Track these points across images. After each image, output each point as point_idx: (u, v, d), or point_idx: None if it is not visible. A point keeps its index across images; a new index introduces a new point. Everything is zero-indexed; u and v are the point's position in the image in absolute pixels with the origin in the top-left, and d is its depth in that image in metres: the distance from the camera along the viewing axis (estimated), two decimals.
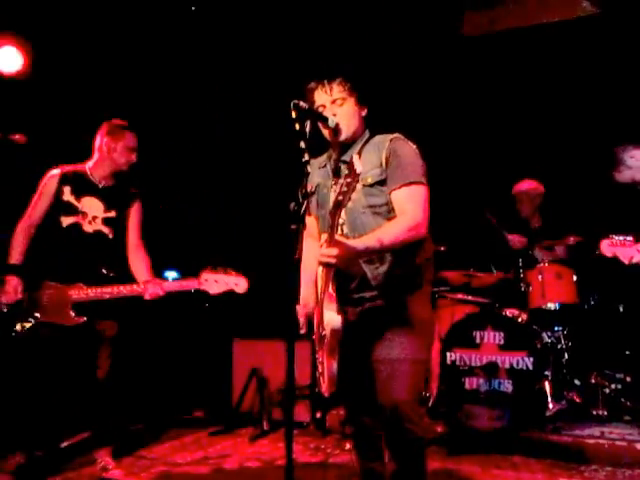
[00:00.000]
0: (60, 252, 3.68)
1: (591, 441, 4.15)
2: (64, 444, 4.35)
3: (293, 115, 2.38)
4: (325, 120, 2.62)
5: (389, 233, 2.51)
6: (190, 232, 5.72)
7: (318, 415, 4.89)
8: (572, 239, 4.85)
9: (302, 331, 2.81)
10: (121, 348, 3.89)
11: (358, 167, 2.15)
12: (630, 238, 3.10)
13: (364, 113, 2.80)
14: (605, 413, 4.51)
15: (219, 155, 5.93)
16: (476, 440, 4.31)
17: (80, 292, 3.60)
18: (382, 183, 2.65)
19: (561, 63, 5.44)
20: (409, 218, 2.55)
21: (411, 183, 2.60)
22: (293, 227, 2.34)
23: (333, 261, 2.35)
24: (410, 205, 2.58)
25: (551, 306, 4.77)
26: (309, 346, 4.19)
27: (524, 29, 5.59)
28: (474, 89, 5.71)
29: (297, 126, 2.38)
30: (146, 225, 4.02)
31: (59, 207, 3.71)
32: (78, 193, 3.74)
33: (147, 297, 3.59)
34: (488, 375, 4.52)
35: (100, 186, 3.81)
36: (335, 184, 2.68)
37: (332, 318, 2.45)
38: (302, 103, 2.42)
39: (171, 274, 5.41)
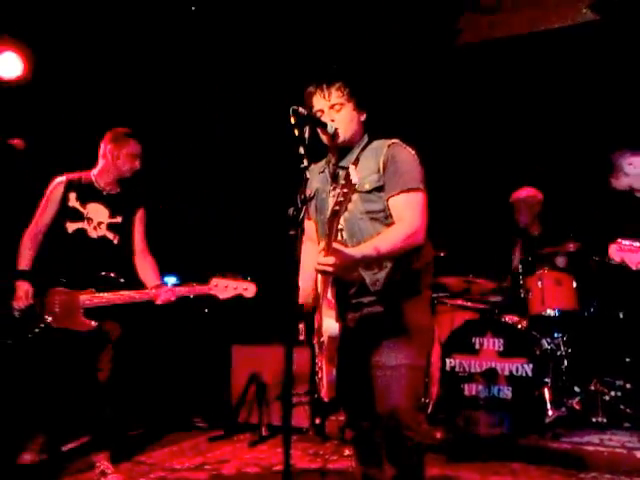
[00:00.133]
0: (66, 257, 3.75)
1: (590, 448, 4.15)
2: (65, 448, 4.37)
3: (292, 121, 2.38)
4: (324, 126, 2.62)
5: (387, 241, 2.51)
6: (189, 237, 5.72)
7: (317, 421, 4.88)
8: (571, 246, 4.85)
9: (301, 337, 2.81)
10: (123, 352, 3.93)
11: (354, 178, 2.15)
12: (638, 244, 3.10)
13: (363, 118, 2.79)
14: (605, 420, 4.49)
15: (219, 156, 5.93)
16: (475, 446, 4.31)
17: (92, 298, 3.67)
18: (380, 189, 2.64)
19: (559, 70, 5.45)
20: (407, 225, 2.55)
21: (409, 190, 2.60)
22: (292, 232, 2.35)
23: (330, 269, 2.35)
24: (408, 212, 2.57)
25: (551, 313, 4.76)
26: (308, 352, 4.19)
27: (523, 36, 5.61)
28: (473, 96, 5.71)
29: (296, 132, 2.38)
30: (147, 227, 4.10)
31: (65, 213, 3.79)
32: (84, 199, 3.83)
33: (159, 302, 3.70)
34: (487, 381, 4.51)
35: (105, 192, 3.90)
36: (333, 189, 2.68)
37: (330, 325, 2.44)
38: (301, 109, 2.43)
39: (170, 279, 5.41)
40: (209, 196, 5.95)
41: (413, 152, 2.72)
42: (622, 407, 4.61)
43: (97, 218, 3.84)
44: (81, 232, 3.79)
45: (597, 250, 4.73)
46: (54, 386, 3.82)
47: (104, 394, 3.83)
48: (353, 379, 2.69)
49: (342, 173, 2.15)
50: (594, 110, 5.30)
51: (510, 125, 5.60)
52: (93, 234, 3.82)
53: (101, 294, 3.68)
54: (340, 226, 2.31)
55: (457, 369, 4.63)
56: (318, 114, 2.70)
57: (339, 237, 2.60)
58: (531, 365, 4.41)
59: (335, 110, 2.69)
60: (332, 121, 2.66)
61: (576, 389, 4.77)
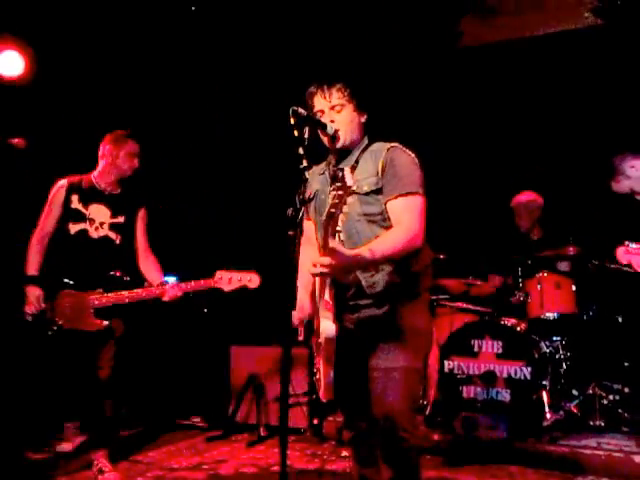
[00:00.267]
0: (70, 259, 3.84)
1: (588, 452, 4.12)
2: (63, 446, 4.40)
3: (292, 121, 2.38)
4: (324, 127, 2.62)
5: (384, 244, 2.50)
6: (189, 237, 5.72)
7: (315, 422, 4.89)
8: (571, 249, 4.85)
9: (300, 338, 2.80)
10: (123, 350, 3.99)
11: (349, 180, 2.14)
12: None
13: (363, 119, 2.78)
14: (602, 424, 4.48)
15: (219, 156, 5.94)
16: (473, 449, 4.30)
17: (101, 298, 3.76)
18: (378, 192, 2.64)
19: (560, 74, 5.45)
20: (404, 229, 2.54)
21: (408, 193, 2.59)
22: (291, 233, 2.35)
23: (326, 270, 2.34)
24: (406, 216, 2.57)
25: (550, 316, 4.76)
26: (307, 353, 4.20)
27: (524, 40, 5.61)
28: (473, 99, 5.71)
29: (296, 132, 2.38)
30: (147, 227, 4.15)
31: (68, 215, 3.87)
32: (85, 201, 3.91)
33: (166, 299, 3.77)
34: (486, 384, 4.52)
35: (106, 193, 3.98)
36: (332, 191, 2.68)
37: (327, 327, 2.44)
38: (301, 110, 2.42)
39: (170, 280, 5.40)
40: (209, 196, 5.95)
41: (413, 156, 2.71)
42: (620, 411, 4.61)
43: (99, 218, 3.91)
44: (83, 233, 3.87)
45: (597, 254, 4.74)
46: (62, 383, 4.01)
47: (104, 392, 3.88)
48: (350, 380, 2.68)
49: (340, 175, 2.15)
50: (595, 114, 5.30)
51: (511, 129, 5.60)
52: (94, 234, 3.89)
53: (109, 294, 3.77)
54: (338, 228, 2.30)
55: (456, 371, 4.63)
56: (318, 115, 2.70)
57: (338, 239, 2.60)
58: (530, 368, 4.41)
59: (335, 111, 2.69)
60: (332, 122, 2.66)
61: (574, 392, 4.76)
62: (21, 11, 4.45)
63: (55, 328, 3.74)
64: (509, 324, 4.73)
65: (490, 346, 4.58)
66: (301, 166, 2.38)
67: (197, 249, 5.64)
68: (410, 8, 5.71)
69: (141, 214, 4.07)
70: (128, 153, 3.97)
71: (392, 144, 2.72)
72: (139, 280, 3.96)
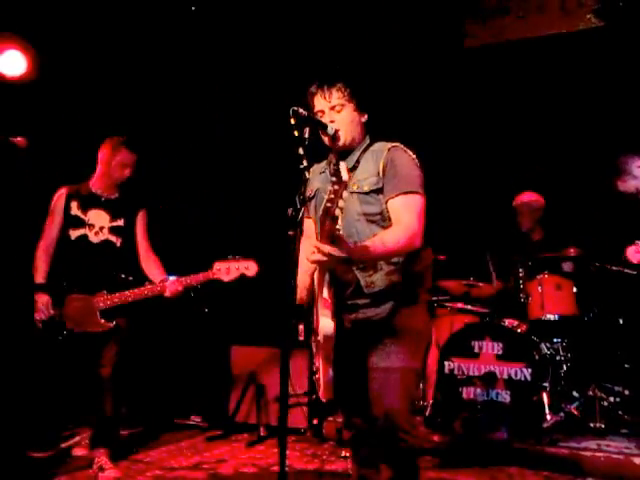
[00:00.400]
0: (72, 263, 3.96)
1: (588, 454, 4.12)
2: (64, 445, 4.42)
3: (292, 121, 2.39)
4: (324, 127, 2.62)
5: (383, 242, 2.50)
6: (189, 237, 5.72)
7: (315, 422, 4.89)
8: (572, 251, 4.85)
9: (300, 338, 2.81)
10: (125, 349, 4.05)
11: (344, 175, 2.15)
12: None
13: (364, 119, 2.78)
14: (603, 426, 4.47)
15: (219, 156, 5.94)
16: (472, 450, 4.30)
17: (106, 300, 3.88)
18: (378, 192, 2.64)
19: (562, 75, 5.44)
20: (404, 227, 2.55)
21: (408, 192, 2.59)
22: (291, 233, 2.35)
23: (323, 258, 2.32)
24: (406, 215, 2.57)
25: (550, 317, 4.76)
26: (307, 353, 4.20)
27: (526, 41, 5.61)
28: (475, 100, 5.71)
29: (296, 132, 2.38)
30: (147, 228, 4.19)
31: (68, 222, 3.99)
32: (84, 207, 4.02)
33: (168, 294, 3.86)
34: (486, 385, 4.51)
35: (104, 199, 4.08)
36: None
37: (325, 324, 2.44)
38: (301, 110, 2.42)
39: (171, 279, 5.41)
40: (209, 196, 5.95)
41: (414, 156, 2.72)
42: (620, 413, 4.61)
43: (99, 223, 4.02)
44: (83, 238, 3.98)
45: (598, 255, 4.74)
46: (66, 383, 4.13)
47: (106, 390, 3.94)
48: (349, 380, 2.69)
49: (335, 169, 2.16)
50: (597, 115, 5.29)
51: (512, 129, 5.60)
52: (94, 239, 3.99)
53: (113, 294, 3.88)
54: (338, 226, 2.30)
55: (456, 372, 4.63)
56: (319, 115, 2.70)
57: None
58: (530, 369, 4.41)
59: (336, 111, 2.69)
60: (332, 122, 2.66)
61: (575, 394, 4.76)
62: (23, 10, 4.46)
63: (65, 333, 3.87)
64: (509, 325, 4.73)
65: (490, 347, 4.58)
66: (301, 166, 2.38)
67: (197, 249, 5.64)
68: (413, 9, 5.70)
69: (141, 216, 4.15)
70: (120, 163, 4.05)
71: (393, 144, 2.72)
72: (142, 280, 4.03)
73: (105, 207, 4.05)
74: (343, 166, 2.17)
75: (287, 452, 2.26)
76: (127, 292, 3.87)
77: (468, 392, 4.56)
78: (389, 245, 2.50)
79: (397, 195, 2.60)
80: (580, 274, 4.96)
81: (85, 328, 3.90)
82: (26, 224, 4.10)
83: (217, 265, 3.82)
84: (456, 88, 5.74)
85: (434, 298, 5.09)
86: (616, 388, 4.74)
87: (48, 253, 3.98)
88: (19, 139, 3.69)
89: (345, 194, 2.17)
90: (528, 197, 5.24)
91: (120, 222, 4.06)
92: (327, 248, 2.30)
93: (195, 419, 5.34)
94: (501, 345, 4.55)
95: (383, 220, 2.65)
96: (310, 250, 2.35)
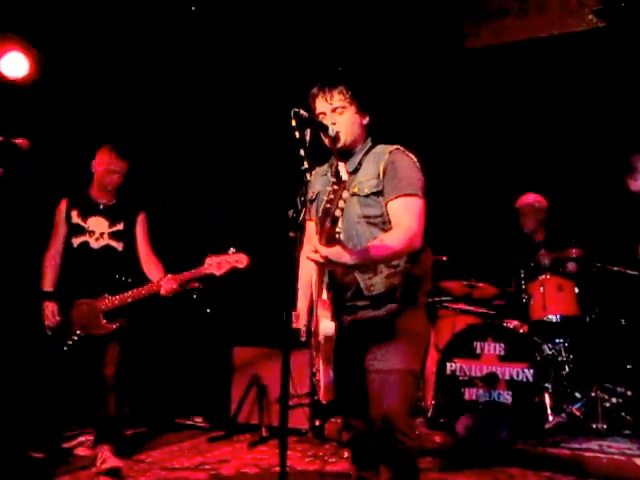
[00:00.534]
0: (75, 269, 4.12)
1: (590, 455, 4.11)
2: (67, 445, 4.46)
3: (293, 123, 2.39)
4: (325, 129, 2.63)
5: (385, 245, 2.50)
6: (189, 237, 5.72)
7: (317, 423, 4.89)
8: (574, 252, 4.85)
9: (302, 339, 2.81)
10: (128, 347, 4.15)
11: (344, 175, 2.15)
12: None
13: (365, 122, 2.79)
14: (605, 427, 4.47)
15: (219, 156, 5.94)
16: (474, 451, 4.29)
17: (108, 302, 4.01)
18: (378, 194, 2.65)
19: (563, 76, 5.43)
20: (404, 230, 2.55)
21: (407, 195, 2.60)
22: (292, 234, 2.35)
23: (322, 260, 2.32)
24: (405, 217, 2.57)
25: (552, 318, 4.76)
26: (309, 354, 4.19)
27: (527, 42, 5.60)
28: (476, 100, 5.70)
29: (297, 134, 2.39)
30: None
31: (70, 230, 4.15)
32: (84, 214, 4.16)
33: (163, 293, 3.94)
34: (488, 386, 4.51)
35: (102, 206, 4.21)
36: None
37: (325, 326, 2.44)
38: (302, 111, 2.43)
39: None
40: (209, 196, 5.96)
41: (415, 159, 2.72)
42: (623, 414, 4.60)
43: (98, 230, 4.14)
44: (84, 245, 4.12)
45: (601, 256, 4.74)
46: (68, 383, 4.22)
47: (110, 389, 4.02)
48: (348, 382, 2.69)
49: (334, 170, 2.16)
50: (598, 116, 5.29)
51: (514, 130, 5.59)
52: (95, 245, 4.12)
53: (114, 296, 4.00)
54: (338, 229, 2.30)
55: (458, 373, 4.63)
56: (320, 117, 2.70)
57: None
58: (532, 370, 4.41)
59: (337, 113, 2.69)
60: (333, 124, 2.66)
61: (577, 395, 4.75)
62: (25, 12, 4.47)
63: (75, 338, 4.02)
64: (511, 326, 4.73)
65: (492, 348, 4.57)
66: (302, 168, 2.38)
67: (197, 249, 5.64)
68: (413, 10, 5.70)
69: (140, 219, 4.25)
70: (107, 169, 4.14)
71: (394, 147, 2.73)
72: (143, 282, 4.09)
73: (104, 213, 4.18)
74: (342, 167, 2.17)
75: (288, 453, 2.28)
76: (126, 293, 3.98)
77: (470, 393, 4.56)
78: (390, 248, 2.50)
79: (397, 197, 2.60)
80: (582, 275, 4.96)
81: (90, 331, 4.03)
82: (28, 225, 4.13)
83: (208, 260, 3.87)
84: (457, 89, 5.73)
85: (436, 299, 5.10)
86: (618, 389, 4.73)
87: (55, 262, 4.14)
88: (21, 140, 3.70)
89: (345, 194, 2.17)
90: (533, 197, 5.23)
91: (119, 227, 4.18)
92: (325, 251, 2.30)
93: (197, 419, 5.35)
94: (503, 346, 4.54)
95: (383, 223, 2.65)
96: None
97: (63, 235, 4.15)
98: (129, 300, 3.97)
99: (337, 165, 2.20)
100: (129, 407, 4.77)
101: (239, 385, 5.20)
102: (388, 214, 2.64)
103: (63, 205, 4.18)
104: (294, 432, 4.79)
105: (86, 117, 4.97)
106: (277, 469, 2.32)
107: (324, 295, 2.48)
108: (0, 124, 3.21)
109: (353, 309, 2.69)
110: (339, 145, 2.68)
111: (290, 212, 2.37)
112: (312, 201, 2.83)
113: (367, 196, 2.65)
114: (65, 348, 4.01)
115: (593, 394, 4.60)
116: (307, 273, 2.68)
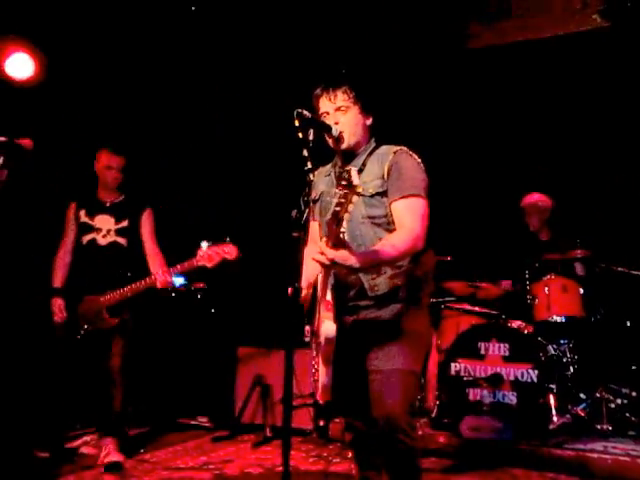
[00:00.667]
0: (84, 266, 4.28)
1: (594, 456, 4.10)
2: (72, 444, 4.48)
3: (296, 123, 2.39)
4: (328, 129, 2.63)
5: (392, 246, 2.51)
6: (188, 237, 5.73)
7: (321, 423, 4.88)
8: (579, 252, 4.84)
9: (306, 339, 2.81)
10: (134, 341, 4.25)
11: (355, 179, 2.14)
12: None
13: (369, 122, 2.79)
14: (609, 428, 4.45)
15: (219, 156, 5.95)
16: (478, 452, 4.29)
17: (110, 297, 4.12)
18: (382, 194, 2.65)
19: (567, 76, 5.42)
20: (407, 231, 2.56)
21: (411, 195, 2.61)
22: (295, 235, 2.36)
23: (327, 262, 2.34)
24: (408, 217, 2.58)
25: (557, 319, 4.75)
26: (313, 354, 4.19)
27: (530, 42, 5.59)
28: (480, 101, 5.70)
29: (300, 134, 2.39)
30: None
31: (79, 229, 4.32)
32: (91, 213, 4.31)
33: (158, 286, 4.05)
34: (492, 387, 4.51)
35: (107, 204, 4.35)
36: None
37: (327, 327, 2.44)
38: (305, 112, 2.43)
39: (178, 280, 5.43)
40: (209, 196, 5.97)
41: (419, 160, 2.73)
42: (627, 415, 4.58)
43: (105, 227, 4.28)
44: (92, 242, 4.26)
45: (605, 256, 4.73)
46: (73, 381, 4.37)
47: (116, 382, 4.12)
48: (349, 382, 2.69)
49: (346, 175, 2.15)
50: (601, 116, 5.27)
51: (519, 130, 5.59)
52: (102, 241, 4.26)
53: (115, 291, 4.10)
54: (342, 229, 2.30)
55: (462, 374, 4.62)
56: (323, 116, 2.71)
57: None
58: (536, 371, 4.40)
59: (341, 112, 2.70)
60: (337, 124, 2.66)
61: (581, 396, 4.74)
62: (31, 14, 4.49)
63: (83, 332, 4.13)
64: (516, 327, 4.72)
65: (497, 349, 4.57)
66: (305, 168, 2.39)
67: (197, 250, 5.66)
68: (417, 11, 5.70)
69: (145, 215, 4.36)
70: (104, 167, 4.27)
71: (399, 147, 2.73)
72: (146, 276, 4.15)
73: (110, 211, 4.30)
74: (354, 171, 2.16)
75: (292, 453, 2.27)
76: (125, 288, 4.07)
77: (474, 394, 4.55)
78: (395, 250, 2.51)
79: (400, 198, 2.61)
80: (587, 275, 4.95)
81: (96, 326, 4.15)
82: (32, 225, 4.18)
83: (200, 252, 3.94)
84: (460, 90, 5.72)
85: (440, 300, 5.09)
86: (623, 390, 4.72)
87: (65, 260, 4.30)
88: (25, 141, 3.71)
89: (355, 200, 2.18)
90: (537, 197, 5.22)
91: (125, 223, 4.29)
92: (331, 254, 2.31)
93: (201, 419, 5.36)
94: (507, 346, 4.54)
95: (388, 223, 2.66)
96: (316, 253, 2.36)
97: (72, 236, 4.30)
98: (129, 294, 4.07)
99: (342, 167, 2.20)
100: (134, 406, 4.78)
101: (243, 385, 5.20)
102: (392, 214, 2.64)
103: (72, 208, 4.33)
104: (298, 432, 4.79)
105: (89, 118, 4.99)
106: (281, 469, 2.32)
107: (328, 296, 2.49)
108: (5, 125, 3.22)
109: (355, 309, 2.69)
110: (343, 146, 2.69)
111: (294, 212, 2.38)
112: (315, 201, 2.84)
113: (371, 196, 2.66)
114: (77, 337, 4.13)
115: (598, 395, 4.59)
116: (311, 273, 2.69)
